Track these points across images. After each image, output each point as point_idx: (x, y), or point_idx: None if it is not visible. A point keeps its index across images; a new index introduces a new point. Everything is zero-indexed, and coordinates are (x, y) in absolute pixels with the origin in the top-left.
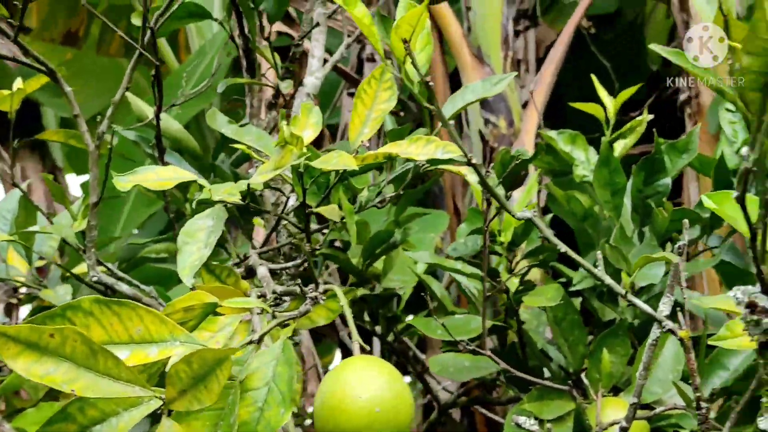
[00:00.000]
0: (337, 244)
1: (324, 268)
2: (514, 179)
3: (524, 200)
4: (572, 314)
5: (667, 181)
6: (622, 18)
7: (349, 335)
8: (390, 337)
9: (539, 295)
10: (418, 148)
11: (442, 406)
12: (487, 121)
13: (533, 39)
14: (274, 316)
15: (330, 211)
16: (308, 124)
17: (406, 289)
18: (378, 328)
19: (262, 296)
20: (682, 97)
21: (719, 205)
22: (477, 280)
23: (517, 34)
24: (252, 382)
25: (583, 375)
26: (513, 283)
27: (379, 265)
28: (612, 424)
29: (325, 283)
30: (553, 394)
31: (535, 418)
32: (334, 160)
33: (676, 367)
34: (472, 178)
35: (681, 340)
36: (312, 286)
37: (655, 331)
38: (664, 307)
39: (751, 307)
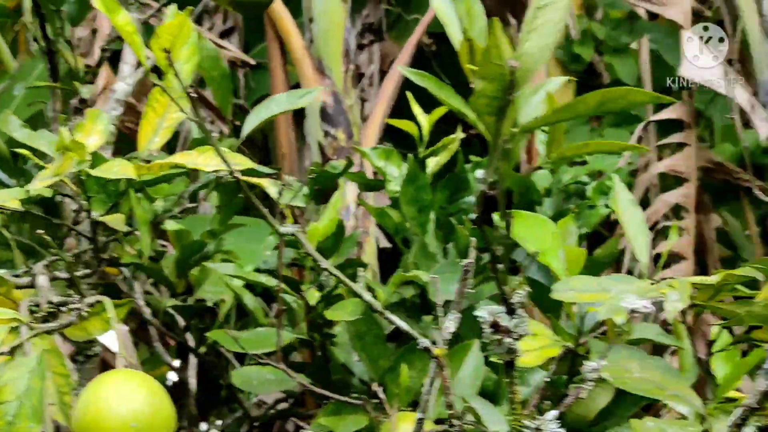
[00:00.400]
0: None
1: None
2: (326, 192)
3: (329, 214)
4: (375, 329)
5: (471, 199)
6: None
7: (175, 343)
8: (202, 349)
9: (341, 309)
10: (207, 159)
11: (252, 419)
12: (327, 133)
13: (378, 53)
14: (31, 328)
15: (115, 220)
16: (94, 130)
17: (227, 301)
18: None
19: (36, 306)
20: None
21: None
22: (290, 293)
23: (362, 47)
24: (3, 395)
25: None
26: (313, 297)
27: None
28: None
29: (146, 292)
30: (349, 409)
31: None
32: (115, 169)
33: (475, 382)
34: (271, 191)
35: (436, 358)
36: (77, 297)
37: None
38: (450, 324)
39: (495, 326)
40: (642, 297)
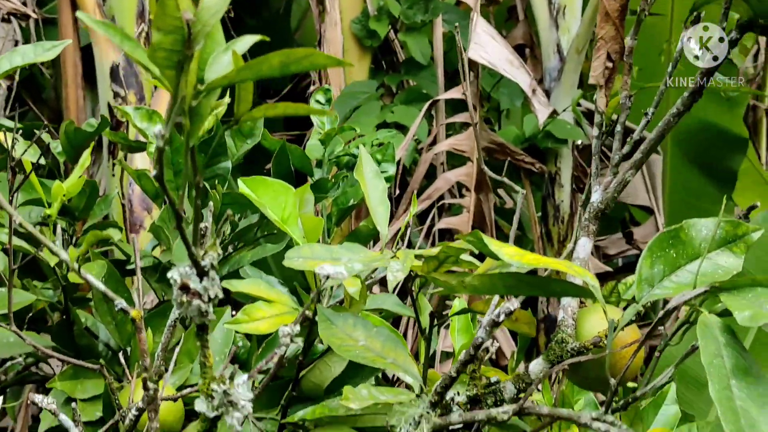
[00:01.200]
0: None
1: None
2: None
3: (76, 173)
4: (123, 291)
5: (228, 164)
6: (269, 6)
7: None
8: None
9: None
10: None
11: None
12: (116, 95)
13: None
14: None
15: None
16: None
17: None
18: None
19: None
20: (313, 87)
21: (254, 190)
22: (31, 251)
23: None
24: None
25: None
26: (51, 258)
27: None
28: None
29: None
30: (88, 374)
31: (69, 398)
32: None
33: (224, 348)
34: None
35: (134, 321)
36: None
37: (174, 313)
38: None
39: (184, 288)
40: (366, 265)
